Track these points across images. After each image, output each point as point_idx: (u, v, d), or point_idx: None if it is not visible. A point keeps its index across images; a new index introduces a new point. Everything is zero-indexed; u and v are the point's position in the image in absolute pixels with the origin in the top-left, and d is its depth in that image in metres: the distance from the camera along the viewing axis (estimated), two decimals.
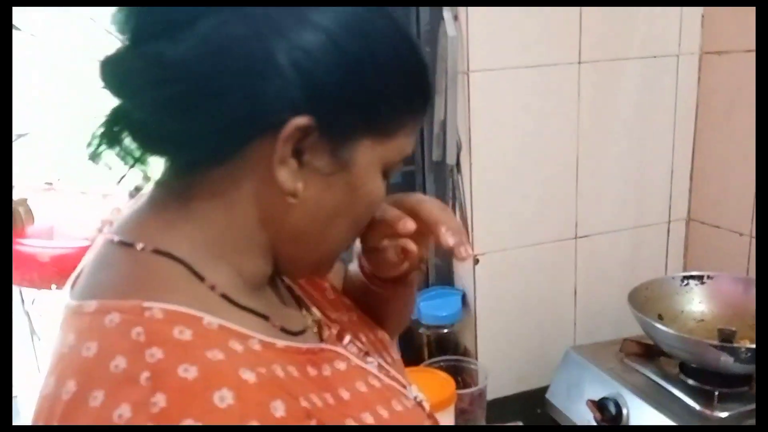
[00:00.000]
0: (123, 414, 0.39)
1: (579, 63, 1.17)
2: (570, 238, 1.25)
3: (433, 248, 1.29)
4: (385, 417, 0.52)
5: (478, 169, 1.15)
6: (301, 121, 0.44)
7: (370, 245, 0.61)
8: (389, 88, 0.48)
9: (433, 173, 1.24)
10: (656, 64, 1.22)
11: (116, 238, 0.49)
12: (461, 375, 1.15)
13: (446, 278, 1.30)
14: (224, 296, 0.48)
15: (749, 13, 1.12)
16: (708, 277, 1.11)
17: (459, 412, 1.05)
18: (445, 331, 1.23)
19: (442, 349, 1.23)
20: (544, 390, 1.16)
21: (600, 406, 0.98)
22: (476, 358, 1.22)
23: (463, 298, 1.25)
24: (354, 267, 0.71)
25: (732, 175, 1.21)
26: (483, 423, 1.11)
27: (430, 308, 1.22)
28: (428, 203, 0.60)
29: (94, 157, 0.47)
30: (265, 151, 0.45)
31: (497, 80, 1.12)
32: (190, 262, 0.47)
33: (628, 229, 1.29)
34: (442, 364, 1.13)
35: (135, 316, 0.43)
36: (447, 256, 1.28)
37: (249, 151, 0.46)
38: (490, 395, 1.15)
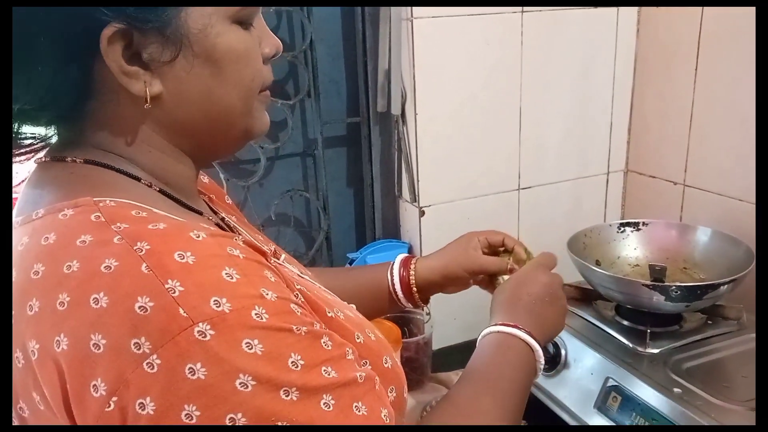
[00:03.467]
0: (110, 264, 0.40)
1: (522, 12, 1.17)
2: (513, 189, 1.27)
3: (380, 202, 1.29)
4: (337, 299, 0.57)
5: (423, 120, 1.14)
6: (107, 31, 0.44)
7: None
8: None
9: (378, 124, 1.23)
10: (597, 15, 1.24)
11: (45, 158, 0.50)
12: (408, 326, 1.16)
13: (392, 231, 1.30)
14: (162, 192, 0.50)
15: None
16: (643, 223, 1.14)
17: (405, 360, 1.07)
18: None
19: None
20: None
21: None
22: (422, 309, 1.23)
23: (410, 250, 1.25)
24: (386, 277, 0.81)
25: (668, 126, 1.25)
26: (429, 370, 1.13)
27: (377, 261, 1.23)
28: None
29: (27, 154, 0.51)
30: (110, 74, 0.46)
31: (441, 28, 1.11)
32: (120, 168, 0.49)
33: (569, 180, 1.32)
34: (389, 315, 1.14)
35: (89, 207, 0.44)
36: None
37: (99, 82, 0.47)
38: (436, 344, 1.17)
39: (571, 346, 1.00)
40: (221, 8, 0.47)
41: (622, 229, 1.15)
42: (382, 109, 1.19)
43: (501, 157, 1.24)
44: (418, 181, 1.18)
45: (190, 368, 0.37)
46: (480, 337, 0.68)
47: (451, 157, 1.19)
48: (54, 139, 0.52)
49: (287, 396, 0.39)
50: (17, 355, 0.42)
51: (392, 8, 1.09)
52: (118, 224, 0.42)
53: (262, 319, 0.40)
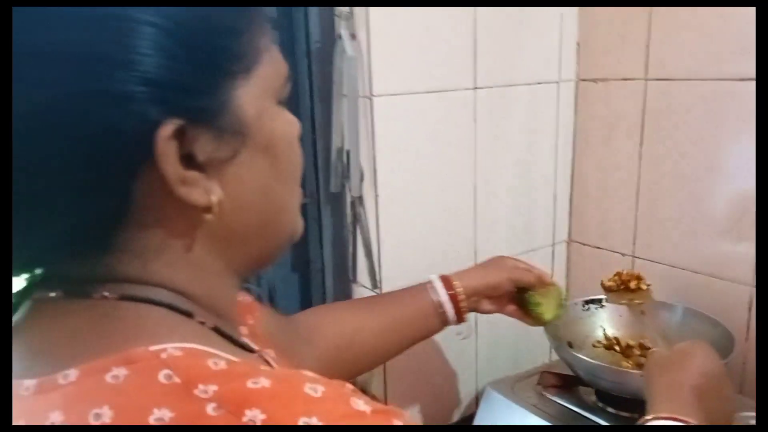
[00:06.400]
0: None
1: (475, 89, 1.14)
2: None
3: (332, 288, 1.18)
4: None
5: (385, 200, 1.06)
6: (165, 131, 0.34)
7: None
8: (208, 32, 0.36)
9: (329, 205, 1.13)
10: (540, 91, 1.24)
11: (53, 294, 0.36)
12: None
13: None
14: (216, 329, 0.39)
15: (623, 42, 1.18)
16: (606, 300, 1.13)
17: None
18: None
19: None
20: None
21: None
22: (385, 403, 1.13)
23: None
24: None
25: (612, 198, 1.27)
26: None
27: None
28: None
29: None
30: (159, 184, 0.35)
31: (401, 106, 1.05)
32: (170, 303, 0.37)
33: (520, 253, 1.29)
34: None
35: (149, 362, 0.32)
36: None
37: (137, 202, 0.35)
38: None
39: None
40: (268, 86, 0.39)
41: (587, 306, 1.13)
42: (335, 190, 1.10)
43: (458, 233, 1.19)
44: (379, 265, 1.09)
45: None
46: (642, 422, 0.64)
47: (411, 237, 1.12)
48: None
49: None
50: None
51: (345, 84, 1.02)
52: (202, 387, 0.31)
53: None
